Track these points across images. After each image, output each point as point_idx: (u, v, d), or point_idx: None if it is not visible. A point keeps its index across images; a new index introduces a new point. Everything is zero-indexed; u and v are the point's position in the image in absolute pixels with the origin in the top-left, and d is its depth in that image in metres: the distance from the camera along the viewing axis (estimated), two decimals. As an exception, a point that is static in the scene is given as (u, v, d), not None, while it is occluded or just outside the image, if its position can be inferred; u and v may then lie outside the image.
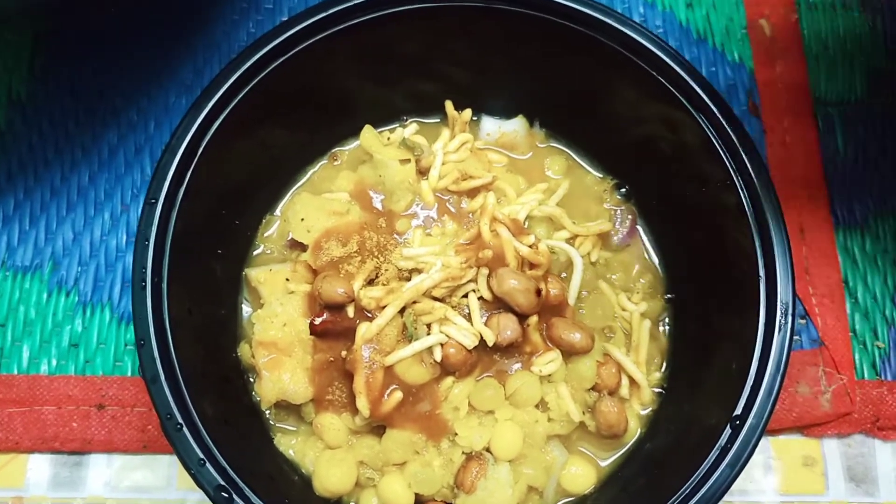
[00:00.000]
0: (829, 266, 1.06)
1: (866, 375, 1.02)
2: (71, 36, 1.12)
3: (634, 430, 0.93)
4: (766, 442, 1.01)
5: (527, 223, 0.96)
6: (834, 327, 1.03)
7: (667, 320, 0.98)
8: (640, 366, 0.93)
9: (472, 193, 0.96)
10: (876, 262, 1.08)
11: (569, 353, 0.90)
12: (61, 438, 0.97)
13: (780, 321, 0.79)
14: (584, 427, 0.91)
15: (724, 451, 0.77)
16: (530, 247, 0.91)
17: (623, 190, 1.02)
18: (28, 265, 1.04)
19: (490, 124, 1.04)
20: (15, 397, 0.99)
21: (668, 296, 0.99)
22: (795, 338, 1.00)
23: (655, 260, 1.00)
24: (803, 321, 1.03)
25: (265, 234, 1.00)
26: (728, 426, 0.78)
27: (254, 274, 0.95)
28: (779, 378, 0.78)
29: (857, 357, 1.03)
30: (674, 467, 0.82)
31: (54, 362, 1.01)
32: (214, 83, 0.84)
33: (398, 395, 0.86)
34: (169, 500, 0.97)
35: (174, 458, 0.96)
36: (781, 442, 1.01)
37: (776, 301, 0.80)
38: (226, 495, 0.75)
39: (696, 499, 0.75)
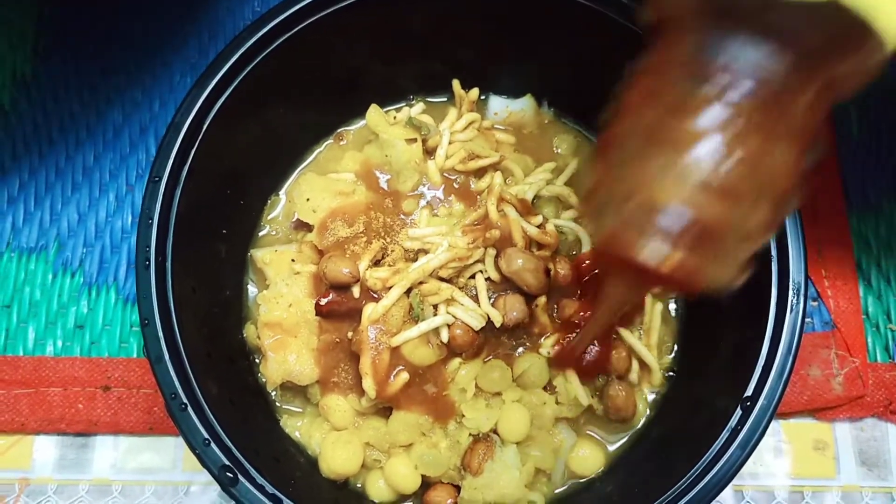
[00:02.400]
0: (842, 249, 1.05)
1: (879, 358, 1.01)
2: (75, 14, 1.11)
3: (643, 413, 0.92)
4: (776, 425, 0.99)
5: (534, 203, 0.94)
6: (846, 310, 1.02)
7: (677, 301, 0.97)
8: (651, 349, 0.92)
9: (480, 173, 0.95)
10: (890, 245, 1.06)
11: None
12: (67, 420, 0.97)
13: (791, 301, 0.78)
14: (591, 410, 0.90)
15: (735, 432, 0.75)
16: (538, 227, 0.90)
17: (633, 170, 1.01)
18: (33, 246, 1.04)
19: (498, 103, 1.02)
20: (21, 378, 0.98)
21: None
22: (808, 320, 0.99)
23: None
24: (815, 304, 1.02)
25: (270, 215, 0.99)
26: (738, 407, 0.76)
27: (259, 255, 0.94)
28: (790, 358, 0.76)
29: (869, 340, 1.02)
30: (683, 450, 0.81)
31: (60, 343, 1.01)
32: (218, 60, 0.83)
33: (404, 376, 0.85)
34: (175, 482, 0.97)
35: (180, 441, 0.96)
36: (792, 425, 1.00)
37: (788, 280, 0.78)
38: (231, 475, 0.74)
39: (706, 480, 0.74)
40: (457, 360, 0.88)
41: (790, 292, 0.78)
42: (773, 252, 0.80)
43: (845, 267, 1.04)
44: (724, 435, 0.76)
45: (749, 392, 0.76)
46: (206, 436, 0.75)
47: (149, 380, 0.98)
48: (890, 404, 0.99)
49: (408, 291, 0.86)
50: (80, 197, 1.05)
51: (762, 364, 0.77)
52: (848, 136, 1.09)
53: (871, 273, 1.05)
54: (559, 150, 1.02)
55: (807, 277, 0.78)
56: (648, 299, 0.94)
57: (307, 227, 0.93)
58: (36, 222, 1.05)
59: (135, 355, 1.00)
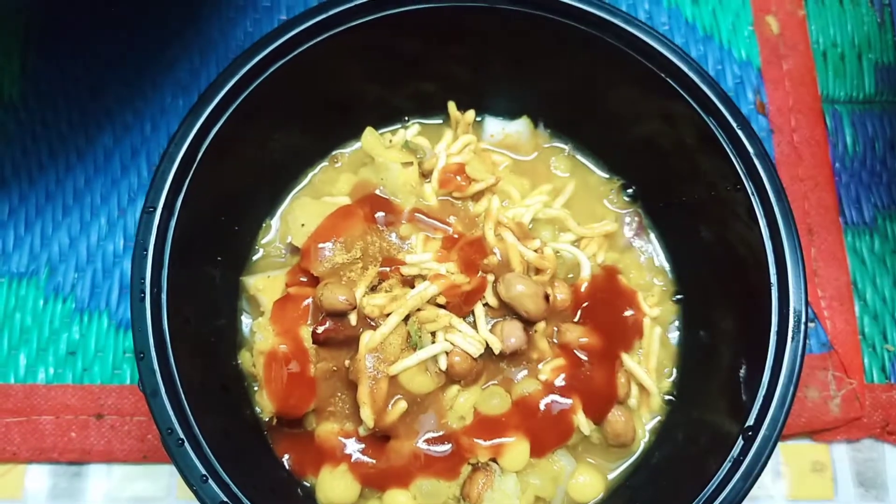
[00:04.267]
0: (837, 268, 1.05)
1: (876, 379, 1.01)
2: (61, 36, 1.10)
3: (642, 439, 0.92)
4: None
5: (531, 226, 0.94)
6: (843, 331, 1.02)
7: (677, 324, 0.96)
8: (650, 373, 0.92)
9: (477, 196, 0.95)
10: (885, 262, 1.06)
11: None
12: (59, 449, 0.96)
13: (792, 329, 0.78)
14: (588, 439, 0.90)
15: (737, 463, 0.75)
16: (535, 251, 0.90)
17: (630, 191, 1.01)
18: (24, 271, 1.02)
19: (493, 125, 1.02)
20: (12, 407, 0.97)
21: (678, 296, 0.97)
22: (805, 342, 0.99)
23: (665, 265, 0.99)
24: (812, 325, 1.02)
25: (265, 239, 0.98)
26: (741, 437, 0.76)
27: (252, 282, 0.93)
28: (791, 388, 0.76)
29: (866, 360, 1.02)
30: (683, 478, 0.81)
31: (52, 370, 0.99)
32: (212, 87, 0.82)
33: (402, 405, 0.84)
34: (170, 511, 0.96)
35: (175, 468, 0.95)
36: (790, 447, 1.00)
37: (788, 309, 0.78)
38: (228, 512, 0.73)
39: (709, 512, 0.74)
40: (455, 388, 0.87)
41: (790, 321, 0.78)
42: (773, 279, 0.80)
43: (841, 286, 1.04)
44: (727, 465, 0.76)
45: (751, 422, 0.76)
46: (204, 472, 0.74)
47: (142, 407, 0.97)
48: (887, 425, 0.99)
49: (405, 319, 0.86)
50: (71, 221, 1.04)
51: (763, 393, 0.77)
52: (843, 152, 1.10)
53: (867, 292, 1.05)
54: (556, 172, 1.01)
55: (807, 305, 0.78)
56: (647, 323, 0.93)
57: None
58: (26, 247, 1.03)
59: (128, 382, 0.99)
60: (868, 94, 1.12)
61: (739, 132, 0.83)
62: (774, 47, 1.13)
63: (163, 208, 0.79)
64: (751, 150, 0.82)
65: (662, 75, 0.86)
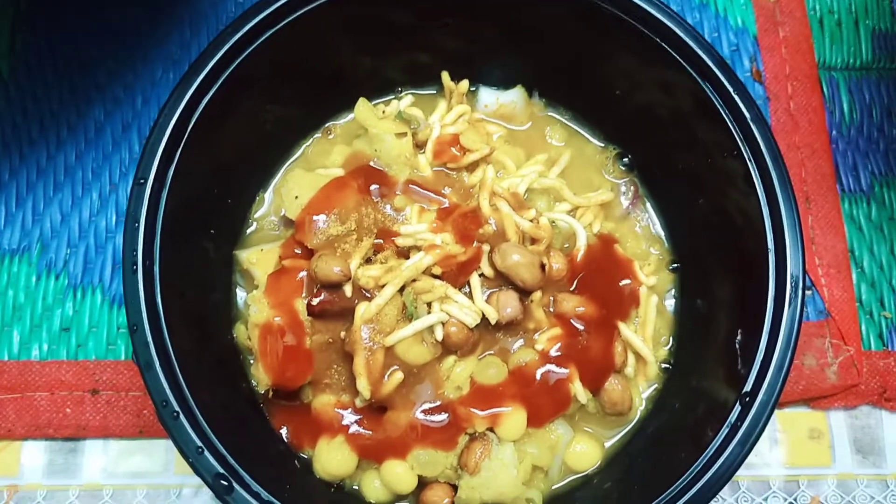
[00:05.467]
0: (835, 236, 1.04)
1: (873, 346, 1.01)
2: (52, 11, 1.08)
3: (639, 407, 0.91)
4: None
5: (526, 196, 0.93)
6: (840, 298, 1.02)
7: (673, 293, 0.96)
8: (647, 342, 0.91)
9: (471, 167, 0.94)
10: (882, 230, 1.06)
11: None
12: (55, 425, 0.95)
13: (789, 295, 0.77)
14: (584, 408, 0.89)
15: (735, 428, 0.75)
16: (531, 221, 0.89)
17: (626, 160, 1.00)
18: (16, 248, 1.02)
19: (488, 95, 1.01)
20: (6, 384, 0.97)
21: (675, 265, 0.97)
22: (802, 310, 0.99)
23: (661, 231, 0.98)
24: (809, 292, 1.01)
25: (258, 213, 0.98)
26: (738, 403, 0.76)
27: (245, 256, 0.92)
28: (789, 353, 0.76)
29: (863, 328, 1.02)
30: (681, 445, 0.81)
31: (46, 347, 0.99)
32: (202, 57, 0.81)
33: (399, 375, 0.84)
34: (167, 485, 0.96)
35: (172, 443, 0.94)
36: (787, 415, 1.00)
37: (786, 274, 0.78)
38: (225, 483, 0.73)
39: (707, 477, 0.74)
40: (452, 358, 0.87)
41: (787, 286, 0.77)
42: (770, 245, 0.79)
43: (838, 254, 1.04)
44: (724, 431, 0.75)
45: (748, 387, 0.76)
46: (200, 444, 0.73)
47: (138, 382, 0.97)
48: (884, 392, 0.99)
49: (401, 290, 0.85)
50: (62, 197, 1.03)
51: (761, 359, 0.76)
52: (840, 119, 1.09)
53: (864, 259, 1.05)
54: (551, 141, 1.01)
55: (804, 271, 0.78)
56: (644, 292, 0.93)
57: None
58: (18, 223, 1.02)
59: (123, 357, 0.98)
60: (865, 61, 1.11)
61: (736, 97, 0.82)
62: (771, 14, 1.12)
63: (154, 180, 0.78)
64: (747, 115, 0.81)
65: (658, 40, 0.85)
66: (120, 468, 0.96)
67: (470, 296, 0.86)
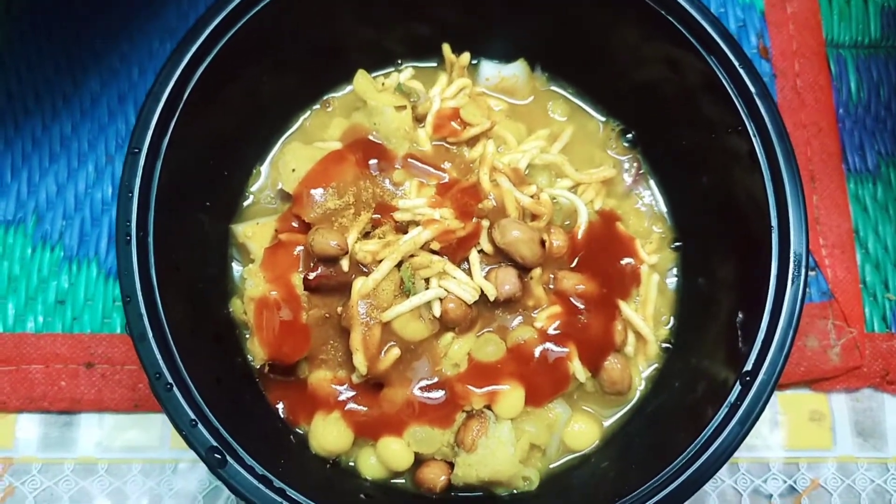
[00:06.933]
0: (839, 216, 1.03)
1: (876, 328, 1.00)
2: (48, -22, 1.07)
3: (638, 387, 0.90)
4: (773, 397, 0.97)
5: (527, 171, 0.92)
6: (844, 279, 1.00)
7: (675, 272, 0.95)
8: (647, 321, 0.90)
9: (472, 142, 0.92)
10: (887, 210, 1.04)
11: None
12: (49, 398, 0.95)
13: (792, 273, 0.76)
14: (583, 387, 0.89)
15: (734, 408, 0.74)
16: (532, 197, 0.88)
17: (629, 136, 0.98)
18: (11, 219, 1.01)
19: (489, 68, 0.99)
20: (1, 356, 0.96)
21: (677, 243, 0.95)
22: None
23: (663, 209, 0.97)
24: (813, 273, 1.00)
25: (254, 186, 0.96)
26: (738, 382, 0.75)
27: (241, 229, 0.91)
28: (791, 332, 0.75)
29: (867, 310, 1.00)
30: (680, 424, 0.80)
31: (41, 319, 0.98)
32: (198, 25, 0.80)
33: (396, 351, 0.83)
34: (162, 460, 0.95)
35: (167, 417, 0.94)
36: (789, 397, 0.99)
37: (789, 252, 0.77)
38: (219, 457, 0.72)
39: (705, 456, 0.73)
40: (449, 335, 0.86)
41: (791, 264, 0.76)
42: (774, 222, 0.78)
43: (843, 234, 1.02)
44: (723, 410, 0.75)
45: (749, 367, 0.75)
46: (193, 416, 0.73)
47: (133, 356, 0.95)
48: (887, 375, 0.98)
49: (399, 265, 0.84)
50: (58, 168, 1.02)
51: (762, 338, 0.76)
52: (847, 97, 1.07)
53: (869, 240, 1.03)
54: (554, 116, 0.99)
55: (807, 249, 0.76)
56: (645, 270, 0.92)
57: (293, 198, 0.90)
58: (13, 194, 1.01)
59: (118, 331, 0.98)
60: (874, 39, 1.09)
61: (741, 71, 0.80)
62: (778, -11, 1.10)
63: (148, 149, 0.77)
64: (753, 89, 0.80)
65: (663, 13, 0.83)
66: (115, 442, 0.95)
67: (469, 272, 0.85)
